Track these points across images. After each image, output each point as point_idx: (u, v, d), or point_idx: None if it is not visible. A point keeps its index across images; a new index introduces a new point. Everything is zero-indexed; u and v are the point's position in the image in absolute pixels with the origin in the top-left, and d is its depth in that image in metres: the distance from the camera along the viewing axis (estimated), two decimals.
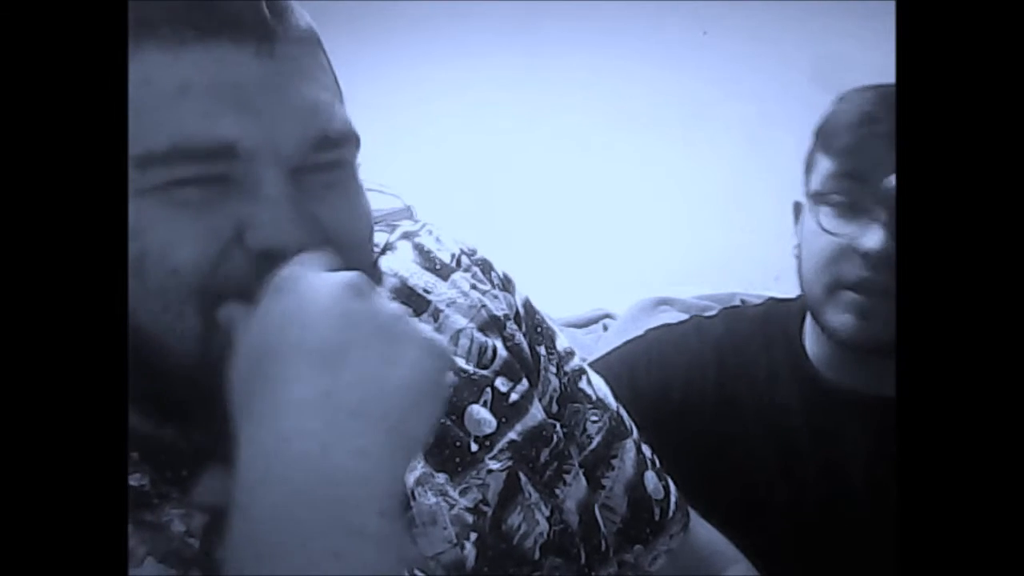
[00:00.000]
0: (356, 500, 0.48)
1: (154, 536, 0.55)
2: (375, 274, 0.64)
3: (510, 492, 0.69)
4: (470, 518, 0.66)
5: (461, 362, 0.72)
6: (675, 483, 0.85)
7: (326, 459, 0.48)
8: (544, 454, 0.73)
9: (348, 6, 2.08)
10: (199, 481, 0.58)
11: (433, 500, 0.66)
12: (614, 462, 0.80)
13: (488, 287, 0.77)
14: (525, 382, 0.75)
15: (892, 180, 0.89)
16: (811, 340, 1.04)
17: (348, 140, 0.58)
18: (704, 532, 0.86)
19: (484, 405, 0.71)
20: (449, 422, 0.69)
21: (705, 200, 2.14)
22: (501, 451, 0.70)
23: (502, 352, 0.74)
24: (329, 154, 0.57)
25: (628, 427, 0.83)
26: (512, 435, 0.71)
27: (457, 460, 0.68)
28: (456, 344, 0.72)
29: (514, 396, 0.73)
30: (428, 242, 0.77)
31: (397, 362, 0.50)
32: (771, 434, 1.02)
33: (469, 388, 0.71)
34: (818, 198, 0.96)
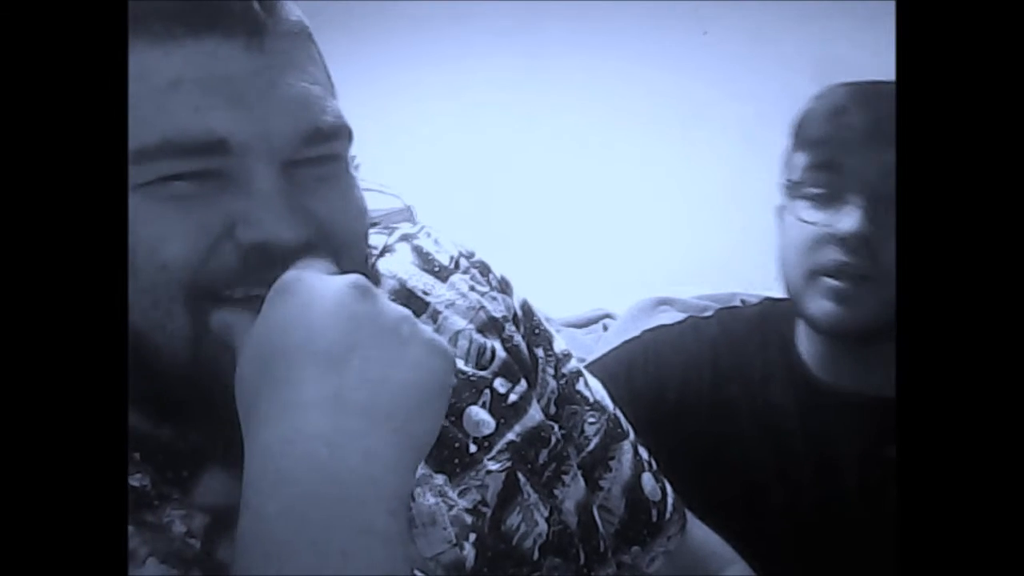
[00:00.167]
0: (364, 499, 0.48)
1: (155, 537, 0.55)
2: (371, 271, 0.64)
3: (509, 493, 0.69)
4: (469, 519, 0.66)
5: (460, 363, 0.71)
6: (672, 484, 0.85)
7: (334, 459, 0.48)
8: (543, 455, 0.73)
9: (347, 6, 2.08)
10: (200, 482, 0.58)
11: (432, 501, 0.66)
12: (611, 464, 0.80)
13: (487, 289, 0.77)
14: (524, 383, 0.75)
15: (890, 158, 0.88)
16: (804, 340, 1.04)
17: (340, 133, 0.58)
18: (701, 533, 0.87)
19: (483, 406, 0.71)
20: (448, 423, 0.68)
21: (705, 200, 2.14)
22: (500, 452, 0.70)
23: (501, 353, 0.74)
24: (321, 147, 0.57)
25: (625, 429, 0.83)
26: (511, 436, 0.71)
27: (456, 461, 0.68)
28: (455, 345, 0.72)
29: (513, 397, 0.73)
30: (427, 244, 0.77)
31: (404, 363, 0.51)
32: (767, 434, 1.02)
33: (468, 389, 0.71)
34: (795, 192, 0.97)
